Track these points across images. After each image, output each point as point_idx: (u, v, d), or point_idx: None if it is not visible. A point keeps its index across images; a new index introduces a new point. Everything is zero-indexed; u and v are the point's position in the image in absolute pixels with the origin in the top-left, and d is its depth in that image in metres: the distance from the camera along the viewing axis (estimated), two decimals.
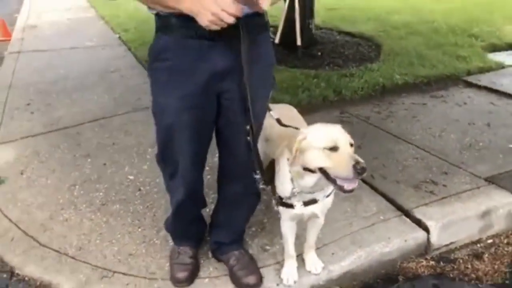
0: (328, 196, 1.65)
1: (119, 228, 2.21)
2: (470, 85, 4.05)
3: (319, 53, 4.79)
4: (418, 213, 2.15)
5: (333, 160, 1.39)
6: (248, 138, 1.51)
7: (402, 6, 7.28)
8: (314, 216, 1.70)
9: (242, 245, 1.95)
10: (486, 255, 2.10)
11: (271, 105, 1.90)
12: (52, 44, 5.71)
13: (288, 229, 1.76)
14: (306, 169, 1.48)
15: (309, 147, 1.44)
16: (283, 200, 1.66)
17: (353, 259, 1.92)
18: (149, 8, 1.44)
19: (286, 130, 1.73)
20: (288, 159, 1.56)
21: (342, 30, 5.80)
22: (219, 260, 1.94)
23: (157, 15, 1.44)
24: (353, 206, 2.26)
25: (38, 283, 1.94)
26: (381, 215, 2.18)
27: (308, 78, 4.03)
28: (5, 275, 2.01)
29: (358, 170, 1.33)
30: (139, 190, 2.52)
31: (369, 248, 1.97)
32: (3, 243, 2.15)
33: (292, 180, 1.57)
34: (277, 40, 4.77)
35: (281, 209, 1.70)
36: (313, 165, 1.44)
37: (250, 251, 1.98)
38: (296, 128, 1.67)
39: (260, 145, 1.74)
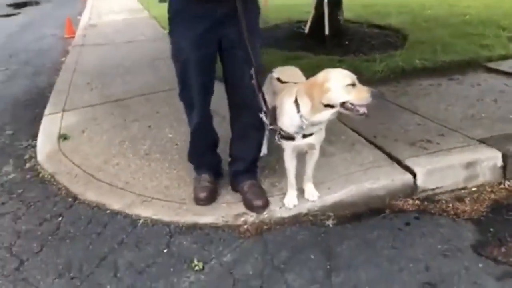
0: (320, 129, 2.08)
1: (159, 170, 2.71)
2: (489, 70, 4.23)
3: (346, 43, 5.14)
4: (408, 162, 2.49)
5: (354, 93, 1.87)
6: (253, 81, 1.96)
7: (438, 2, 7.43)
8: (311, 147, 2.13)
9: (255, 177, 2.39)
10: (468, 199, 2.39)
11: (278, 68, 2.37)
12: (110, 39, 6.46)
13: (289, 160, 2.20)
14: (328, 105, 1.90)
15: (334, 86, 1.87)
16: (285, 135, 2.09)
17: (345, 192, 2.30)
18: None
19: (286, 84, 2.18)
20: (295, 101, 1.99)
21: (373, 23, 6.10)
22: (235, 191, 2.39)
23: None
24: (352, 155, 2.64)
25: (94, 205, 2.48)
26: (376, 163, 2.53)
27: (332, 62, 4.39)
28: (70, 199, 2.57)
29: (375, 93, 1.86)
30: (176, 144, 3.02)
31: (359, 184, 2.34)
32: (68, 179, 2.73)
33: (301, 117, 1.98)
34: (306, 30, 5.18)
35: (284, 142, 2.12)
36: (338, 100, 1.88)
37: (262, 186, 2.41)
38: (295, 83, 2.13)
39: (269, 98, 2.19)
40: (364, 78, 4.04)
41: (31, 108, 4.12)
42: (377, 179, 2.37)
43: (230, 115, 2.32)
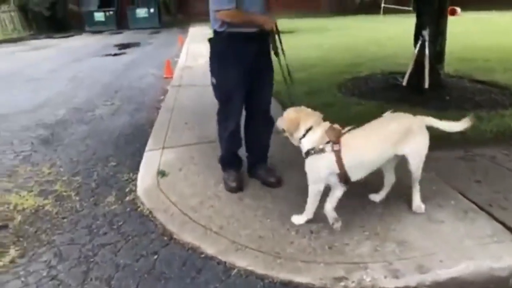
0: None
1: (252, 217, 2.67)
2: None
3: (447, 97, 4.86)
4: None
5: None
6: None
7: None
8: None
9: (266, 162, 3.18)
10: None
11: None
12: (204, 81, 6.76)
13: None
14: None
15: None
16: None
17: (461, 268, 2.06)
18: (215, 25, 2.74)
19: None
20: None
21: (475, 79, 5.75)
22: (252, 177, 3.15)
23: (216, 31, 2.75)
24: (466, 225, 2.38)
25: (189, 246, 2.48)
26: (495, 238, 2.26)
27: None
28: (166, 238, 2.61)
29: None
30: (269, 192, 2.98)
31: (478, 261, 2.08)
32: (165, 216, 2.79)
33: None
34: (404, 82, 5.01)
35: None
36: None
37: None
38: None
39: None
40: (470, 138, 3.79)
41: (132, 143, 4.38)
42: (500, 258, 2.10)
43: (247, 118, 3.06)
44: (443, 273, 2.05)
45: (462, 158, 3.41)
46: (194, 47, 11.46)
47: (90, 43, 15.29)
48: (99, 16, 20.49)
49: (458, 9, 17.09)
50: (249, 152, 3.19)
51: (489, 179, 2.97)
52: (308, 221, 2.54)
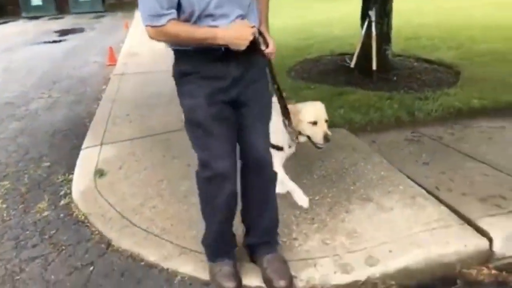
0: None
1: (197, 217, 2.49)
2: None
3: (395, 78, 4.87)
4: (481, 223, 2.17)
5: (313, 130, 2.28)
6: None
7: (491, 36, 7.04)
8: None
9: (276, 249, 2.05)
10: None
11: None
12: (149, 68, 6.45)
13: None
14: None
15: (301, 122, 2.28)
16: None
17: (410, 257, 2.01)
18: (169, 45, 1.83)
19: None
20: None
21: (421, 57, 5.81)
22: (253, 262, 2.07)
23: (176, 50, 1.83)
24: (415, 212, 2.34)
25: (129, 254, 2.29)
26: (442, 222, 2.23)
27: (382, 99, 4.14)
28: (103, 245, 2.39)
29: (326, 138, 2.26)
30: None
31: (426, 249, 2.03)
32: (103, 221, 2.56)
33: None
34: (352, 64, 4.96)
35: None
36: (304, 133, 2.33)
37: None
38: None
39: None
40: (417, 119, 3.80)
41: (70, 139, 4.06)
42: (447, 243, 2.07)
43: (242, 180, 1.99)
44: (392, 264, 1.99)
45: (409, 140, 3.40)
46: (141, 32, 10.92)
47: (28, 29, 14.21)
48: (36, 0, 19.11)
49: None
50: (248, 228, 2.11)
51: (436, 161, 2.97)
52: None
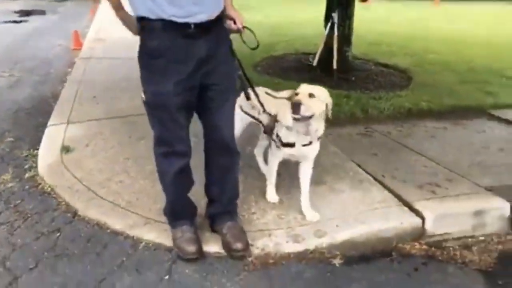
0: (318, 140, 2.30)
1: (162, 192, 2.65)
2: (493, 117, 4.27)
3: (353, 78, 5.20)
4: (417, 205, 2.47)
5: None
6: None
7: (442, 48, 7.57)
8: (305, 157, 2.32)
9: (235, 218, 2.25)
10: (476, 248, 2.36)
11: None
12: (117, 54, 6.45)
13: (275, 166, 2.47)
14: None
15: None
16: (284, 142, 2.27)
17: (354, 231, 2.27)
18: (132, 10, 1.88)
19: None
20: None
21: (379, 62, 6.20)
22: (214, 231, 2.25)
23: (142, 18, 1.83)
24: (361, 195, 2.61)
25: (95, 222, 2.41)
26: (384, 204, 2.51)
27: (339, 97, 4.43)
28: (69, 214, 2.50)
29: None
30: None
31: (369, 224, 2.30)
32: (70, 193, 2.66)
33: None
34: (315, 63, 5.24)
35: (281, 149, 2.31)
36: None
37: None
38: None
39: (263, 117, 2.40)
40: (370, 116, 4.12)
41: (34, 117, 4.07)
42: (386, 221, 2.34)
43: (207, 158, 2.19)
44: (338, 236, 2.24)
45: (362, 134, 3.69)
46: (108, 18, 10.78)
47: None
48: None
49: None
50: (210, 200, 2.31)
51: (384, 153, 3.26)
52: None
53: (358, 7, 5.68)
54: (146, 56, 1.92)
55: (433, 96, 4.65)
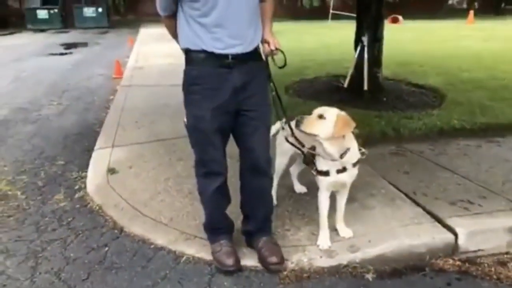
0: (354, 166, 2.28)
1: (201, 209, 2.79)
2: None
3: (384, 99, 5.25)
4: (449, 221, 2.50)
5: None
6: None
7: (475, 65, 7.52)
8: (343, 185, 2.31)
9: (269, 233, 2.38)
10: (511, 264, 2.36)
11: None
12: (156, 81, 6.83)
13: (324, 200, 2.35)
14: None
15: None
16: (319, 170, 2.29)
17: (386, 246, 2.33)
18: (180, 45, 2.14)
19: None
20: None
21: (410, 82, 6.23)
22: (250, 247, 2.39)
23: (187, 50, 2.11)
24: (393, 210, 2.67)
25: (139, 238, 2.59)
26: (416, 220, 2.56)
27: (370, 117, 4.50)
28: (116, 231, 2.69)
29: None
30: None
31: (400, 240, 2.36)
32: (116, 211, 2.87)
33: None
34: (345, 85, 5.35)
35: (319, 178, 2.30)
36: None
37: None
38: None
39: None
40: (402, 135, 4.16)
41: (81, 142, 4.38)
42: (418, 236, 2.39)
43: (242, 179, 2.34)
44: (370, 251, 2.31)
45: (394, 153, 3.75)
46: (146, 47, 11.36)
47: (33, 41, 14.67)
48: (42, 14, 19.64)
49: (400, 18, 18.10)
50: (245, 217, 2.44)
51: (416, 171, 3.31)
52: None
53: (389, 28, 5.78)
54: (188, 83, 2.15)
55: (465, 114, 4.63)
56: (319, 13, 21.17)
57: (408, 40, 11.50)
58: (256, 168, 2.25)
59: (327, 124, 2.16)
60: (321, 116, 2.18)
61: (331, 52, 9.24)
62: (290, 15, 22.76)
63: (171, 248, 2.46)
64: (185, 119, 2.22)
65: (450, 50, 9.43)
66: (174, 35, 2.21)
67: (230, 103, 2.10)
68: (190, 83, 2.14)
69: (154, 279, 2.24)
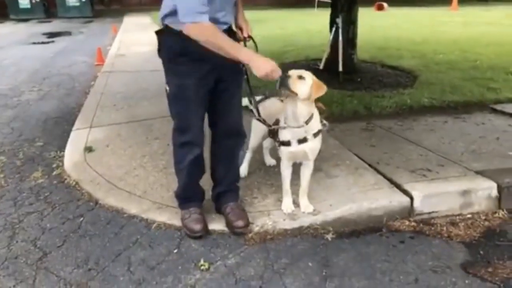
0: (315, 137, 2.32)
1: (175, 182, 2.92)
2: (494, 111, 4.39)
3: (359, 79, 5.41)
4: (407, 186, 2.65)
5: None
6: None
7: (451, 49, 7.70)
8: (305, 156, 2.37)
9: (237, 199, 2.53)
10: (462, 224, 2.53)
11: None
12: (136, 68, 6.87)
13: (285, 169, 2.45)
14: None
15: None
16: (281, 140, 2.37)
17: (345, 209, 2.48)
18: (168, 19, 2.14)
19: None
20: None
21: (385, 64, 6.38)
22: (219, 212, 2.52)
23: (169, 27, 2.13)
24: (355, 178, 2.82)
25: (114, 209, 2.70)
26: (376, 186, 2.71)
27: (344, 96, 4.65)
28: (91, 203, 2.80)
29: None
30: None
31: (359, 203, 2.51)
32: (92, 186, 2.97)
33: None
34: (321, 66, 5.48)
35: (281, 148, 2.40)
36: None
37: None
38: None
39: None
40: (372, 113, 4.31)
41: (61, 125, 4.44)
42: (376, 200, 2.54)
43: (214, 141, 2.48)
44: (331, 214, 2.45)
45: (364, 129, 3.89)
46: (129, 35, 11.35)
47: (16, 31, 14.50)
48: (24, 3, 19.34)
49: (385, 5, 18.24)
50: (216, 181, 2.56)
51: (382, 144, 3.46)
52: None
53: (373, 15, 5.90)
54: (173, 54, 2.18)
55: (436, 93, 4.80)
56: (306, 1, 21.18)
57: (389, 26, 11.65)
58: (233, 130, 2.41)
59: (306, 85, 2.21)
60: (300, 77, 2.22)
61: (312, 37, 9.35)
62: (277, 3, 22.75)
63: (143, 217, 2.57)
64: (167, 88, 2.28)
65: (428, 35, 9.62)
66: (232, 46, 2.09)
67: (213, 73, 2.21)
68: (177, 54, 2.17)
69: (125, 243, 2.36)
